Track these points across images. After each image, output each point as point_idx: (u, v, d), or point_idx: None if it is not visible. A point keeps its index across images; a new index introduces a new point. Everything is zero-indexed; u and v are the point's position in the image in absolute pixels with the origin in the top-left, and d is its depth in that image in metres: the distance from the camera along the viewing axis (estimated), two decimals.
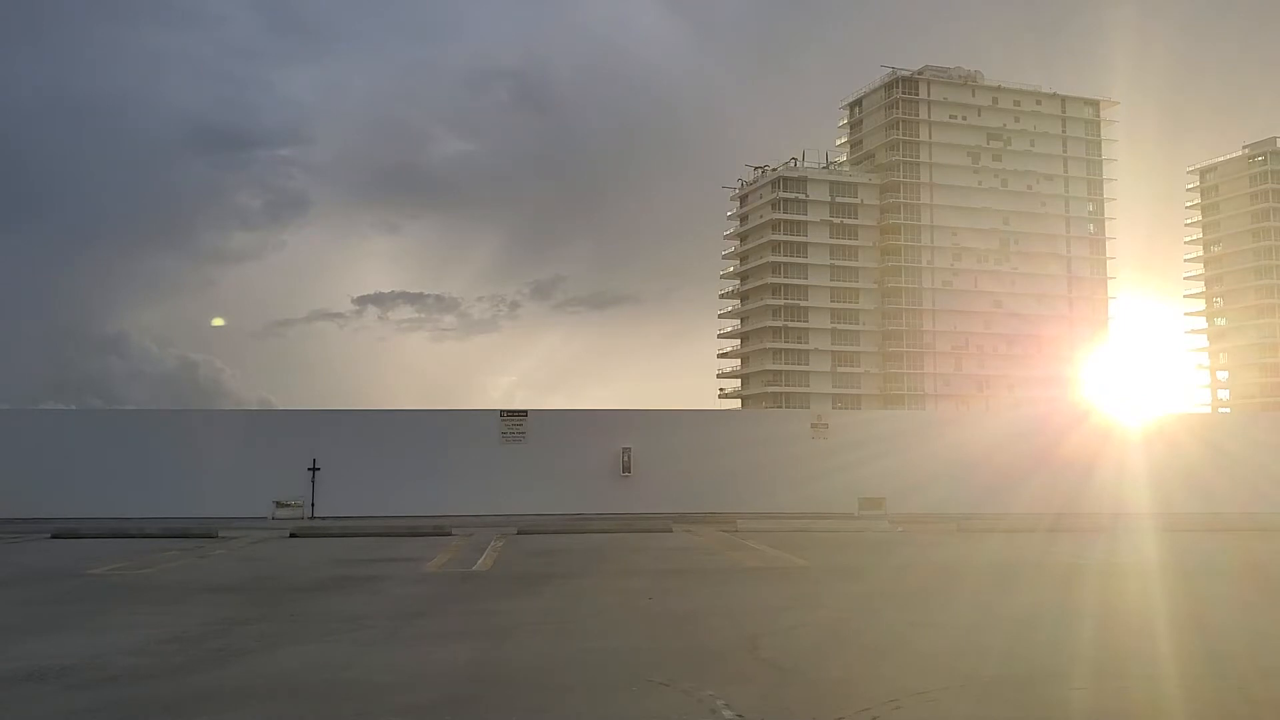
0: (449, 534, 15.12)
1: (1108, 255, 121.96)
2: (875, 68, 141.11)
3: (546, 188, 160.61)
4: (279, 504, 18.51)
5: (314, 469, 18.55)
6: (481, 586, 9.27)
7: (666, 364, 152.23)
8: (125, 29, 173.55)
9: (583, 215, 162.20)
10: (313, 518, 18.26)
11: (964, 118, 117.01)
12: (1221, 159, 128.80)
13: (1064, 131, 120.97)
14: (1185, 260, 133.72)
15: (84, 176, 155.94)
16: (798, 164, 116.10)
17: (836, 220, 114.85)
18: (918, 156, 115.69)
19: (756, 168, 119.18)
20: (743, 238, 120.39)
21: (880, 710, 4.09)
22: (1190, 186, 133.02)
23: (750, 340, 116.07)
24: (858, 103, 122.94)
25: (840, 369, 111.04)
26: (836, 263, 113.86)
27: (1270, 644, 5.88)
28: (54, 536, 15.02)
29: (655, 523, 16.62)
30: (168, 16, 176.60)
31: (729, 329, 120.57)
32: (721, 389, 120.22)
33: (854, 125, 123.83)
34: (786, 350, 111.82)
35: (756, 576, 9.88)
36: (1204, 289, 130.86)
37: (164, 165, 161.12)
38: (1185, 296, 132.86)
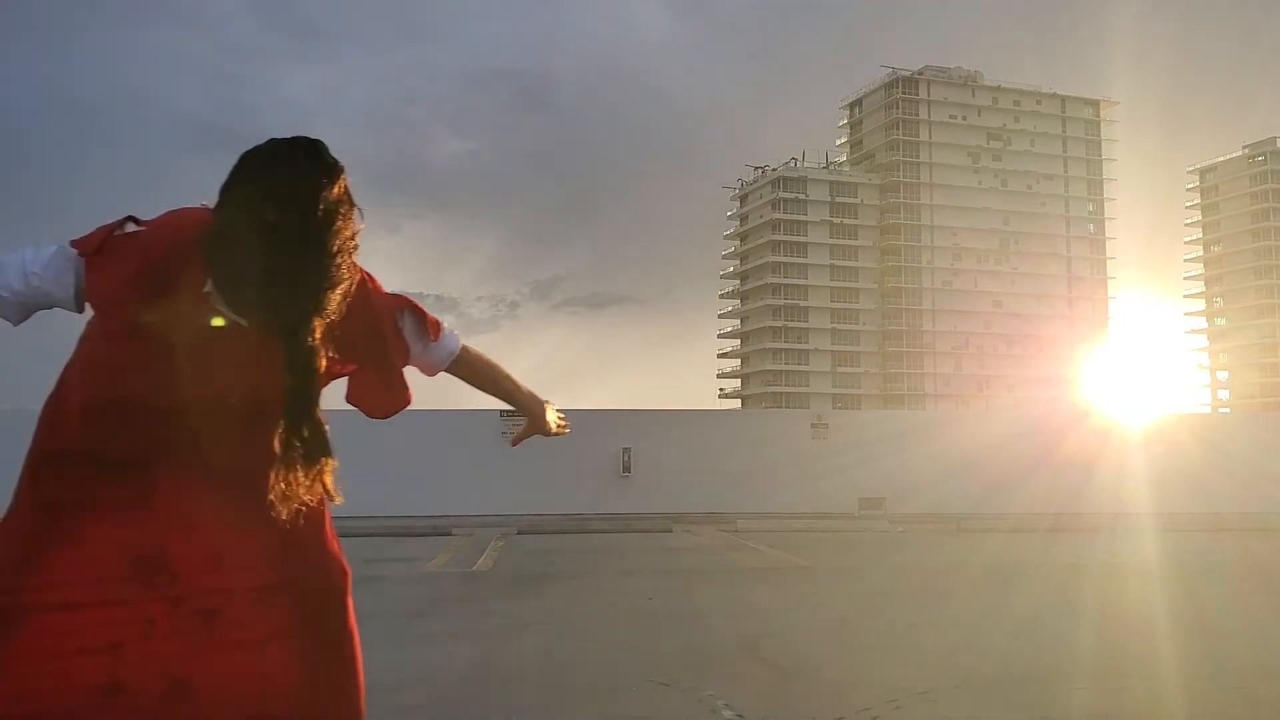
0: (449, 534, 15.13)
1: (1108, 255, 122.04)
2: (875, 68, 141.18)
3: (546, 188, 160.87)
4: None
5: None
6: (481, 586, 9.27)
7: (666, 364, 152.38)
8: (125, 29, 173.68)
9: (583, 215, 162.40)
10: None
11: (964, 118, 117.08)
12: (1221, 159, 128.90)
13: (1064, 131, 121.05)
14: (1185, 260, 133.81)
15: (84, 176, 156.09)
16: (798, 164, 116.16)
17: (836, 220, 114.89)
18: (918, 156, 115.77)
19: (756, 168, 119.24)
20: (743, 238, 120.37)
21: (880, 710, 4.09)
22: (1190, 186, 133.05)
23: (750, 340, 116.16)
24: (858, 103, 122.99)
25: (840, 369, 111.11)
26: (836, 263, 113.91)
27: (1271, 645, 5.88)
28: None
29: (655, 523, 16.63)
30: (168, 16, 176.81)
31: (729, 329, 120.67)
32: (721, 389, 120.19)
33: (854, 125, 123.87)
34: (786, 350, 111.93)
35: (757, 576, 9.88)
36: (1204, 289, 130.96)
37: (164, 165, 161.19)
38: (1185, 296, 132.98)
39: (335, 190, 1.81)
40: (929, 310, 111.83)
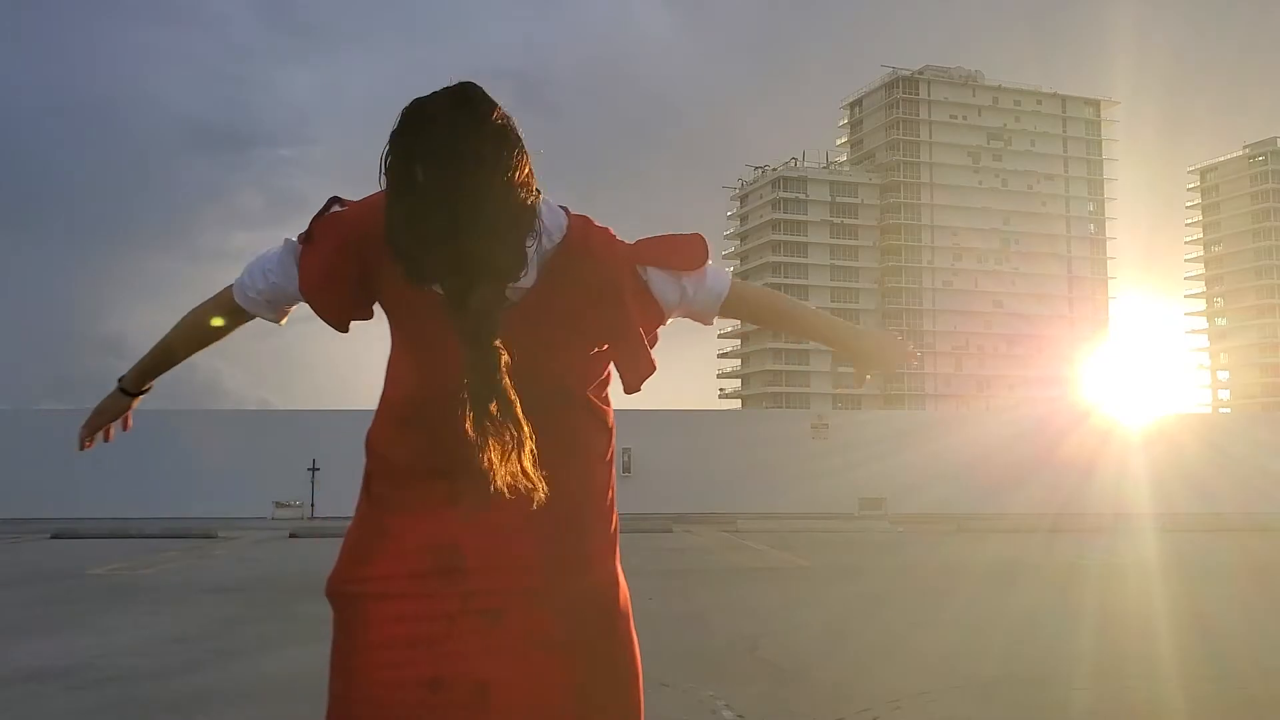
0: None
1: (1108, 255, 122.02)
2: (875, 68, 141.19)
3: (546, 188, 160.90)
4: (279, 504, 18.53)
5: (314, 469, 18.55)
6: None
7: (666, 364, 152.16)
8: (125, 29, 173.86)
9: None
10: (313, 518, 18.27)
11: (964, 118, 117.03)
12: (1222, 159, 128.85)
13: (1064, 131, 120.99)
14: (1185, 260, 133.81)
15: (84, 176, 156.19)
16: (798, 164, 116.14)
17: (836, 220, 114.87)
18: (918, 156, 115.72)
19: (756, 168, 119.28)
20: (743, 238, 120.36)
21: (880, 710, 4.09)
22: (1190, 186, 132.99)
23: (750, 340, 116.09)
24: (858, 103, 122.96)
25: (840, 369, 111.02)
26: (836, 263, 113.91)
27: (1272, 644, 5.87)
28: (54, 536, 15.03)
29: (655, 523, 16.62)
30: (168, 16, 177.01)
31: (729, 329, 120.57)
32: (722, 389, 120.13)
33: (854, 125, 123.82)
34: (786, 350, 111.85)
35: (756, 577, 9.88)
36: (1204, 289, 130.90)
37: (164, 165, 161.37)
38: (1185, 296, 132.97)
39: (483, 135, 1.64)
40: (929, 310, 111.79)
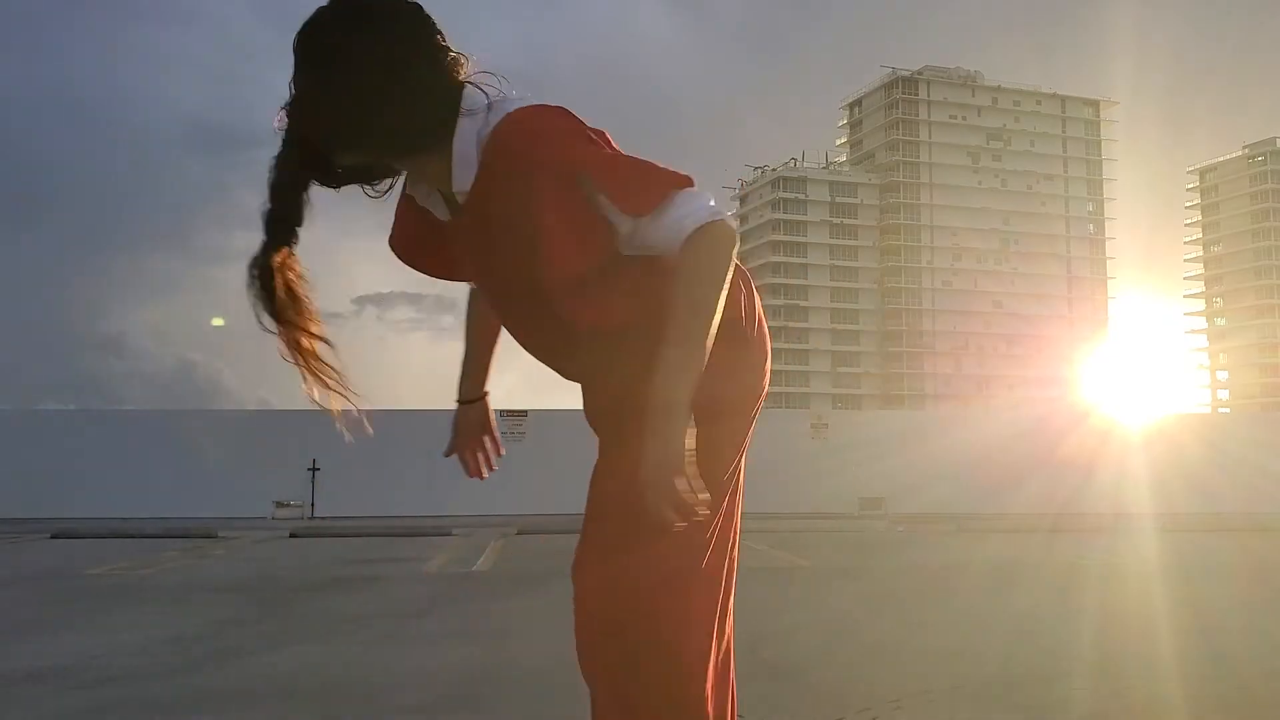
0: (449, 534, 15.12)
1: (1108, 255, 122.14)
2: (875, 68, 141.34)
3: None
4: (279, 504, 18.52)
5: (314, 469, 18.53)
6: (481, 586, 9.27)
7: None
8: (125, 28, 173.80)
9: None
10: (313, 518, 18.26)
11: (964, 118, 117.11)
12: (1221, 159, 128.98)
13: (1064, 131, 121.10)
14: (1185, 260, 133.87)
15: (84, 176, 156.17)
16: (798, 164, 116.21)
17: (836, 220, 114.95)
18: (918, 156, 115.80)
19: (756, 168, 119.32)
20: (742, 238, 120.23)
21: (880, 710, 4.09)
22: (1190, 186, 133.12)
23: None
24: (858, 103, 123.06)
25: (840, 369, 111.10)
26: (836, 263, 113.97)
27: (1272, 644, 5.87)
28: (54, 536, 15.03)
29: None
30: (167, 16, 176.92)
31: None
32: None
33: (854, 125, 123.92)
34: (786, 350, 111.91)
35: (756, 576, 9.87)
36: (1204, 289, 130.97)
37: (164, 165, 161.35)
38: (1185, 296, 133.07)
39: (334, 13, 1.69)
40: (929, 310, 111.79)
